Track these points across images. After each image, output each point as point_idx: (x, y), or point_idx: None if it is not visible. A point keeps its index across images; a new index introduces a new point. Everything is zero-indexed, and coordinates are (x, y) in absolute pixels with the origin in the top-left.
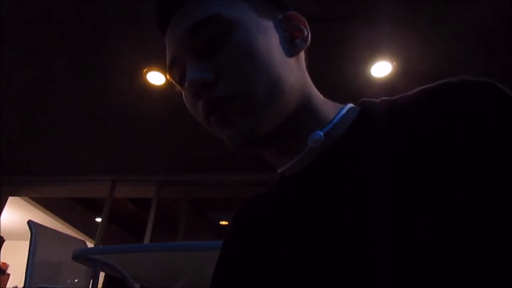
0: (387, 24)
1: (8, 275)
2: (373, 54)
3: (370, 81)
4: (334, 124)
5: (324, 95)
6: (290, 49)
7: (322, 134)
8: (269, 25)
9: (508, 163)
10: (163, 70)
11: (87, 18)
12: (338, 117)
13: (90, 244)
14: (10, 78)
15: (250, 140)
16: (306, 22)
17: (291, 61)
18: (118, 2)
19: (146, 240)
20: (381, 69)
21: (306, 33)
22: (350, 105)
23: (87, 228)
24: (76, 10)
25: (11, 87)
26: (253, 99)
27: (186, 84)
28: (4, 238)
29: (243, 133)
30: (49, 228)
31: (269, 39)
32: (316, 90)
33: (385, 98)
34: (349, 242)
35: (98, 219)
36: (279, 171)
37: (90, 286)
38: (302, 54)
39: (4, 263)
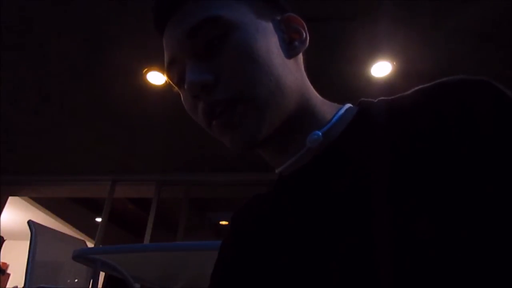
0: (387, 24)
1: (8, 275)
2: (373, 54)
3: (370, 81)
4: (332, 124)
5: (324, 95)
6: (289, 51)
7: (320, 134)
8: (268, 26)
9: (506, 162)
10: (163, 70)
11: (87, 18)
12: (336, 117)
13: (90, 244)
14: (11, 79)
15: (252, 143)
16: (304, 24)
17: (290, 62)
18: (118, 2)
19: (146, 240)
20: (381, 69)
21: (304, 34)
22: (348, 105)
23: (87, 228)
24: (76, 11)
25: (11, 87)
26: (254, 102)
27: (186, 86)
28: (4, 238)
29: (245, 137)
30: (49, 228)
31: (269, 40)
32: (314, 91)
33: (382, 98)
34: (348, 241)
35: (98, 219)
36: (277, 171)
37: (90, 286)
38: (300, 56)
39: (4, 263)
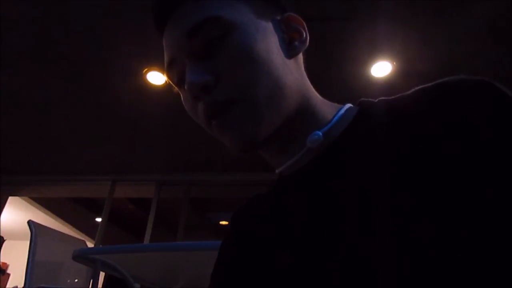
0: (387, 24)
1: (8, 275)
2: (373, 54)
3: (370, 81)
4: (333, 124)
5: (324, 95)
6: (289, 51)
7: (320, 134)
8: (268, 26)
9: (506, 163)
10: (163, 70)
11: (87, 18)
12: (336, 117)
13: (90, 244)
14: (10, 79)
15: (251, 144)
16: (304, 24)
17: (290, 62)
18: (118, 3)
19: (146, 240)
20: (381, 69)
21: (304, 34)
22: (349, 105)
23: (87, 228)
24: (76, 10)
25: (11, 87)
26: (254, 103)
27: (186, 87)
28: (4, 238)
29: (244, 138)
30: (49, 228)
31: (269, 40)
32: (315, 91)
33: (383, 98)
34: (348, 241)
35: (98, 219)
36: (277, 171)
37: (90, 286)
38: (300, 56)
39: (4, 263)
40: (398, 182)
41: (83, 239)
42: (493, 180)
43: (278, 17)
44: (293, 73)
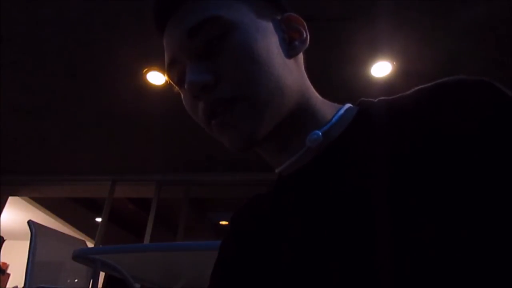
0: (387, 24)
1: (8, 275)
2: (373, 54)
3: (370, 81)
4: (332, 124)
5: (325, 95)
6: (289, 51)
7: (320, 133)
8: (268, 26)
9: (506, 162)
10: (163, 70)
11: (87, 18)
12: (336, 117)
13: (90, 244)
14: (10, 79)
15: (250, 142)
16: (304, 24)
17: (290, 62)
18: (118, 2)
19: (146, 240)
20: (381, 69)
21: (304, 34)
22: (348, 105)
23: (87, 228)
24: (76, 10)
25: (11, 87)
26: (254, 102)
27: (186, 86)
28: (4, 238)
29: (243, 137)
30: (49, 228)
31: (269, 40)
32: (315, 91)
33: (383, 98)
34: (347, 241)
35: (98, 219)
36: (277, 170)
37: (90, 286)
38: (300, 55)
39: (4, 263)
40: (398, 182)
41: (83, 239)
42: (493, 180)
43: (279, 17)
44: (293, 73)
